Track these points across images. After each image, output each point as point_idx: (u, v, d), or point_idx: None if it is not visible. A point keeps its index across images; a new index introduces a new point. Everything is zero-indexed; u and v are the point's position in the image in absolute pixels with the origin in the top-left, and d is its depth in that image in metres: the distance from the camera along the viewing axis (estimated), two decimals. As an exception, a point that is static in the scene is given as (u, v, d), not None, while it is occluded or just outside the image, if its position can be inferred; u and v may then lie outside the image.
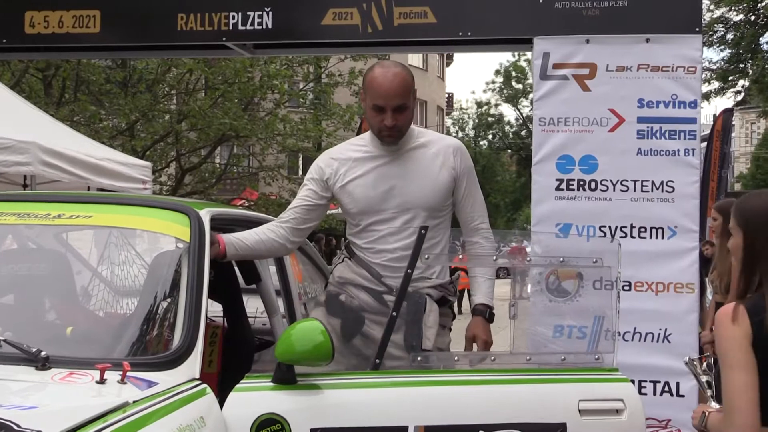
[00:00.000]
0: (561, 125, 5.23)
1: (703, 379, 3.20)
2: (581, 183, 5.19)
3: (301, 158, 32.49)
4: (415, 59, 46.43)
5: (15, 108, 9.90)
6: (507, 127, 63.50)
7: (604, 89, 5.21)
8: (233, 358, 4.09)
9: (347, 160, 4.04)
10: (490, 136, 64.16)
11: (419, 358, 3.40)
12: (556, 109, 5.24)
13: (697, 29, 5.23)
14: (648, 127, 5.15)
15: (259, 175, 24.78)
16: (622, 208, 5.11)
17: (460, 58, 77.71)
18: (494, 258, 3.93)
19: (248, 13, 5.69)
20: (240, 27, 5.70)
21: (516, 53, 55.86)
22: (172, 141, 21.80)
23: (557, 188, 5.18)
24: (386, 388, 3.16)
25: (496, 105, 63.84)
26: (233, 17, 5.70)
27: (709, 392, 3.14)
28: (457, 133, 64.75)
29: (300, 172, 33.75)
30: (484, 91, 64.32)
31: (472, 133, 65.17)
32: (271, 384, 3.08)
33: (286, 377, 3.07)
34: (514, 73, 60.30)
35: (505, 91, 61.91)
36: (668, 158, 5.11)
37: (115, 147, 16.45)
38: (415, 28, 5.57)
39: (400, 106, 3.89)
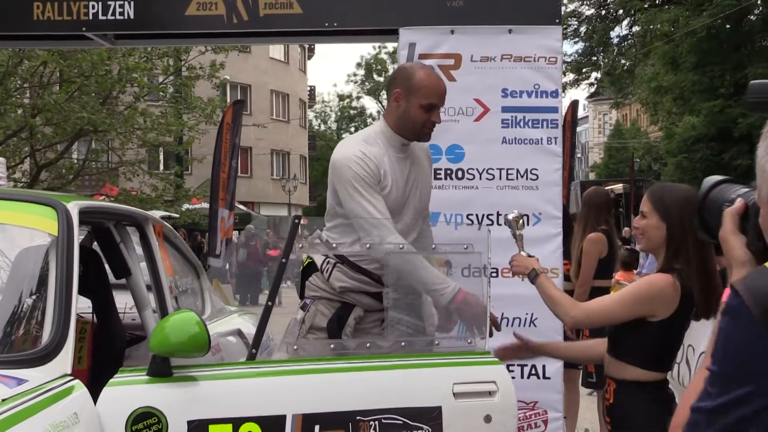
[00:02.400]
0: (428, 115, 5.29)
1: (518, 232, 3.70)
2: (448, 172, 5.27)
3: (162, 152, 31.94)
4: (276, 52, 46.21)
5: None
6: (369, 120, 63.86)
7: (470, 79, 5.30)
8: (104, 353, 4.01)
9: (382, 155, 3.97)
10: (352, 129, 64.39)
11: (295, 348, 3.40)
12: (422, 99, 5.30)
13: (557, 20, 5.38)
14: (512, 117, 5.27)
15: (119, 171, 24.24)
16: (489, 196, 5.22)
17: (321, 50, 77.73)
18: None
19: (109, 2, 5.57)
20: (101, 16, 5.58)
21: (377, 46, 56.27)
22: (26, 136, 21.11)
23: (425, 177, 5.25)
24: (262, 377, 3.15)
25: (358, 98, 64.22)
26: (93, 6, 5.57)
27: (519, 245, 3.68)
28: (319, 125, 64.84)
29: (161, 167, 33.21)
30: (346, 83, 64.46)
31: (334, 126, 65.37)
32: (146, 377, 3.04)
33: (161, 370, 3.03)
34: (375, 66, 60.70)
35: (366, 84, 62.27)
36: (532, 147, 5.24)
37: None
38: (281, 19, 5.55)
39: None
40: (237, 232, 21.90)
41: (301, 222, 3.57)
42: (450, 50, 5.35)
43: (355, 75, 63.79)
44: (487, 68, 5.32)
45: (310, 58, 54.61)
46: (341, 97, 64.97)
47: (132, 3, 5.55)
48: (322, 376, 3.18)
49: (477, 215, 5.21)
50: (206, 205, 16.61)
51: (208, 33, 5.80)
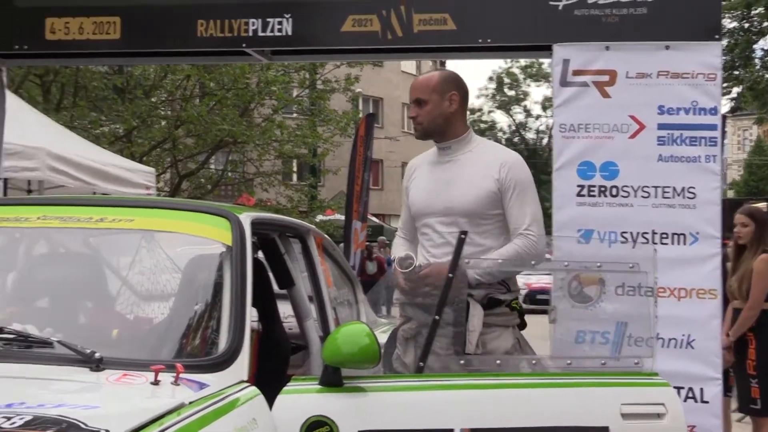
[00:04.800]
0: (582, 132, 5.26)
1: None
2: (602, 189, 5.22)
3: (296, 164, 32.52)
4: (408, 65, 46.52)
5: (22, 114, 9.92)
6: (500, 134, 63.60)
7: (624, 96, 5.24)
8: (268, 361, 4.12)
9: (422, 163, 4.33)
10: (482, 143, 64.25)
11: (462, 362, 3.43)
12: (576, 116, 5.28)
13: (717, 36, 5.28)
14: (669, 134, 5.19)
15: (256, 181, 24.79)
16: (644, 214, 5.14)
17: (452, 64, 77.77)
18: (529, 256, 3.94)
19: (268, 19, 5.71)
20: (260, 33, 5.72)
21: (509, 60, 56.00)
22: (169, 147, 21.82)
23: (578, 194, 5.21)
24: (431, 391, 3.20)
25: (489, 112, 63.99)
26: (253, 23, 5.72)
27: None
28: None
29: (295, 178, 33.83)
30: (477, 97, 64.54)
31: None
32: (318, 386, 3.12)
33: (332, 379, 3.11)
34: (506, 80, 60.43)
35: (497, 98, 62.04)
36: (689, 164, 5.14)
37: (114, 153, 16.47)
38: (435, 35, 5.60)
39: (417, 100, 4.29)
40: (369, 243, 22.12)
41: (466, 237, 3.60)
42: (605, 66, 5.31)
43: (486, 89, 63.51)
44: (643, 85, 5.25)
45: (441, 71, 54.65)
46: (472, 111, 64.84)
47: (290, 20, 5.68)
48: (489, 392, 3.21)
49: (631, 233, 5.14)
50: (339, 217, 16.86)
51: (362, 49, 5.90)
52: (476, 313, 3.82)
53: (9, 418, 2.37)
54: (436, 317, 3.35)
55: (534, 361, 3.52)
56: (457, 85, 4.36)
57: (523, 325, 4.18)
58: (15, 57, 6.29)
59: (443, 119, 4.27)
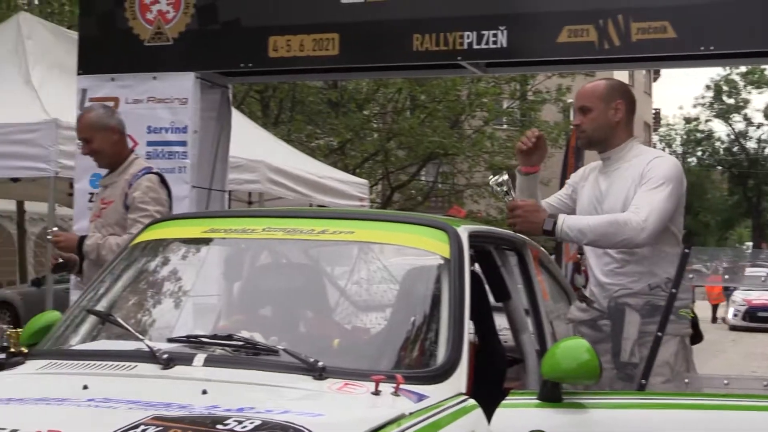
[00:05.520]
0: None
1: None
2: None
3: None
4: (621, 74, 45.56)
5: (244, 128, 10.37)
6: (717, 144, 61.21)
7: None
8: (484, 374, 4.11)
9: (593, 169, 4.27)
10: (699, 153, 62.01)
11: (687, 381, 3.32)
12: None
13: None
14: None
15: (466, 193, 24.92)
16: None
17: (667, 72, 75.57)
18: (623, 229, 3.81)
19: (483, 32, 5.73)
20: (475, 46, 5.75)
21: (727, 67, 53.85)
22: (381, 159, 22.25)
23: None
24: (654, 409, 3.10)
25: (706, 121, 61.65)
26: (468, 36, 5.75)
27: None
28: (664, 149, 62.92)
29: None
30: (694, 107, 62.32)
31: (679, 150, 63.16)
32: (537, 401, 3.09)
33: (551, 395, 3.07)
34: (725, 88, 58.10)
35: (715, 106, 59.72)
36: None
37: (329, 165, 16.99)
38: (654, 44, 5.46)
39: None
40: (580, 256, 21.77)
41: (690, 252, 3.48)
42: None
43: (703, 97, 61.26)
44: None
45: (655, 80, 53.39)
46: (687, 120, 62.69)
47: (505, 32, 5.68)
48: (718, 413, 3.08)
49: None
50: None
51: (578, 60, 5.83)
52: (632, 321, 3.73)
53: (240, 422, 2.47)
54: (659, 333, 3.25)
55: (766, 383, 3.35)
56: (622, 94, 4.23)
57: (697, 338, 4.02)
58: (240, 75, 6.60)
59: (607, 128, 4.16)
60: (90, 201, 5.97)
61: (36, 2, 18.12)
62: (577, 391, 3.14)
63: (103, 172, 5.29)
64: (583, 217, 4.00)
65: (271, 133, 14.12)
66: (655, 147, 57.44)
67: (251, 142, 10.53)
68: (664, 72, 55.53)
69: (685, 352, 3.86)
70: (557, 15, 5.55)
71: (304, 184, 11.29)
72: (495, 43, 5.71)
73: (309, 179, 11.45)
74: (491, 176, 4.24)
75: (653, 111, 53.48)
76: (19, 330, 6.44)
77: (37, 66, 9.22)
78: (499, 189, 4.08)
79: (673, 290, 3.26)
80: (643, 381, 3.23)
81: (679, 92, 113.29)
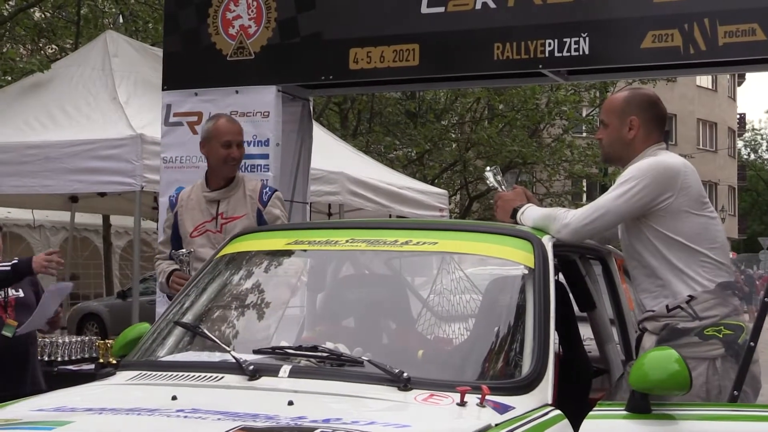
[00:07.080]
0: None
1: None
2: None
3: (586, 184, 32.14)
4: (703, 80, 44.86)
5: (323, 140, 10.45)
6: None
7: None
8: (569, 385, 4.06)
9: None
10: (785, 158, 60.62)
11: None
12: None
13: None
14: None
15: (545, 202, 24.72)
16: None
17: (752, 76, 74.03)
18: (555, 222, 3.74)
19: (564, 39, 5.67)
20: (556, 54, 5.68)
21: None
22: (460, 169, 22.20)
23: None
24: (748, 422, 3.02)
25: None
26: (549, 44, 5.70)
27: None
28: (749, 155, 61.62)
29: (584, 198, 33.43)
30: (773, 112, 61.01)
31: (766, 155, 61.82)
32: (625, 413, 3.03)
33: (640, 406, 3.01)
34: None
35: (801, 111, 58.31)
36: None
37: (407, 176, 17.01)
38: (741, 47, 5.33)
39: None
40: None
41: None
42: None
43: (788, 102, 59.94)
44: None
45: (740, 84, 52.38)
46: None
47: (587, 39, 5.61)
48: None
49: None
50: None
51: (663, 65, 5.73)
52: (648, 346, 3.57)
53: (328, 433, 2.48)
54: (752, 344, 3.17)
55: None
56: (639, 109, 3.91)
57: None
58: (320, 87, 6.64)
59: (621, 145, 3.91)
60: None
61: (121, 21, 18.50)
62: (666, 402, 3.07)
63: (188, 184, 5.31)
64: (539, 208, 3.87)
65: (350, 145, 14.17)
66: (740, 152, 56.47)
67: (331, 154, 10.60)
68: (748, 75, 54.48)
69: (719, 372, 3.56)
70: (641, 20, 5.46)
71: (383, 195, 11.31)
72: (577, 50, 5.64)
73: (388, 190, 11.47)
74: (487, 168, 4.21)
75: (738, 116, 52.41)
76: (108, 341, 6.56)
77: (123, 83, 9.43)
78: (492, 180, 4.09)
79: (752, 343, 3.19)
80: (736, 392, 3.15)
81: (765, 96, 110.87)
